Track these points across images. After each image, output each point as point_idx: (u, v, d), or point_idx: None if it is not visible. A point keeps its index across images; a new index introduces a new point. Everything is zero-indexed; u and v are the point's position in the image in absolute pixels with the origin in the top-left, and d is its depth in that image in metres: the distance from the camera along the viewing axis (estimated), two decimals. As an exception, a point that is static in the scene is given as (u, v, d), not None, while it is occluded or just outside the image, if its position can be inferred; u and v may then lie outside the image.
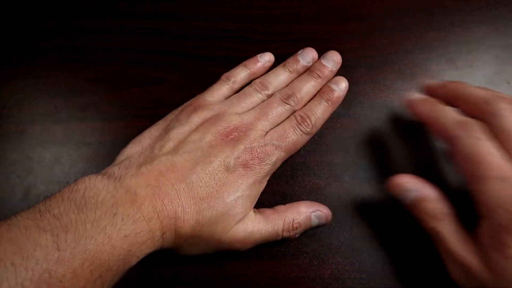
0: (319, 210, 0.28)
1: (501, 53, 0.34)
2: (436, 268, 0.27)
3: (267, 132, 0.28)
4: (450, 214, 0.24)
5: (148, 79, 0.34)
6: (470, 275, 0.22)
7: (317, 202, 0.29)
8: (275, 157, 0.27)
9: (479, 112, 0.24)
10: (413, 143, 0.31)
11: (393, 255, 0.28)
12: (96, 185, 0.22)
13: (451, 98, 0.26)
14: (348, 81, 0.32)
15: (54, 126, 0.32)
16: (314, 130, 0.29)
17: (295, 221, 0.27)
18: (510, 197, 0.21)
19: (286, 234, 0.27)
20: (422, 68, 0.33)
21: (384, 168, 0.30)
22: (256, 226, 0.26)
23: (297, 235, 0.28)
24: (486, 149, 0.22)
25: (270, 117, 0.28)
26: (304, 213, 0.27)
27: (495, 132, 0.23)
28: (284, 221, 0.27)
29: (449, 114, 0.25)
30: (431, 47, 0.34)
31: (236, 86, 0.32)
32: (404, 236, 0.28)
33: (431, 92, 0.28)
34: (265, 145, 0.27)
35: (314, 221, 0.27)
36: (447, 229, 0.23)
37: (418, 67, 0.34)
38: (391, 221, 0.29)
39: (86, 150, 0.31)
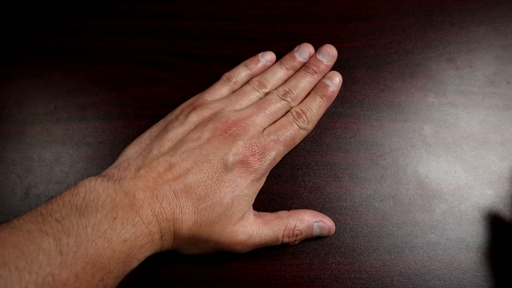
0: (322, 221, 0.28)
1: (501, 53, 0.34)
2: (435, 268, 0.28)
3: (265, 129, 0.28)
4: None
5: (148, 79, 0.34)
6: None
7: (317, 202, 0.29)
8: (275, 152, 0.27)
9: None
10: (412, 142, 0.31)
11: (392, 255, 0.28)
12: (96, 188, 0.22)
13: None
14: (348, 81, 0.32)
15: (54, 126, 0.32)
16: (311, 126, 0.30)
17: (297, 228, 0.27)
18: None
19: (286, 239, 0.27)
20: (422, 68, 0.33)
21: (384, 168, 0.30)
22: (256, 229, 0.26)
23: (296, 242, 0.28)
24: None
25: (268, 112, 0.29)
26: (307, 221, 0.27)
27: None
28: (286, 226, 0.27)
29: None
30: (431, 47, 0.34)
31: (237, 86, 0.31)
32: (404, 236, 0.28)
33: None
34: (264, 140, 0.27)
35: (316, 231, 0.28)
36: None
37: (418, 67, 0.34)
38: (390, 221, 0.29)
39: (86, 150, 0.31)
